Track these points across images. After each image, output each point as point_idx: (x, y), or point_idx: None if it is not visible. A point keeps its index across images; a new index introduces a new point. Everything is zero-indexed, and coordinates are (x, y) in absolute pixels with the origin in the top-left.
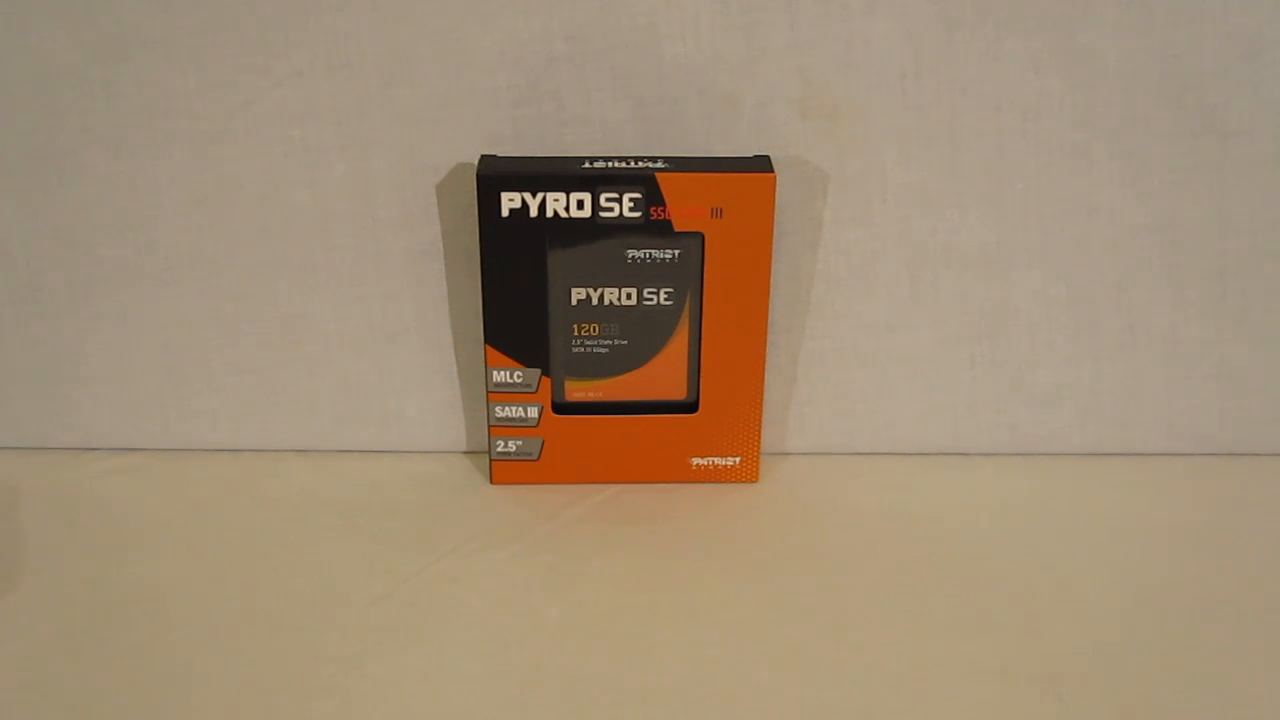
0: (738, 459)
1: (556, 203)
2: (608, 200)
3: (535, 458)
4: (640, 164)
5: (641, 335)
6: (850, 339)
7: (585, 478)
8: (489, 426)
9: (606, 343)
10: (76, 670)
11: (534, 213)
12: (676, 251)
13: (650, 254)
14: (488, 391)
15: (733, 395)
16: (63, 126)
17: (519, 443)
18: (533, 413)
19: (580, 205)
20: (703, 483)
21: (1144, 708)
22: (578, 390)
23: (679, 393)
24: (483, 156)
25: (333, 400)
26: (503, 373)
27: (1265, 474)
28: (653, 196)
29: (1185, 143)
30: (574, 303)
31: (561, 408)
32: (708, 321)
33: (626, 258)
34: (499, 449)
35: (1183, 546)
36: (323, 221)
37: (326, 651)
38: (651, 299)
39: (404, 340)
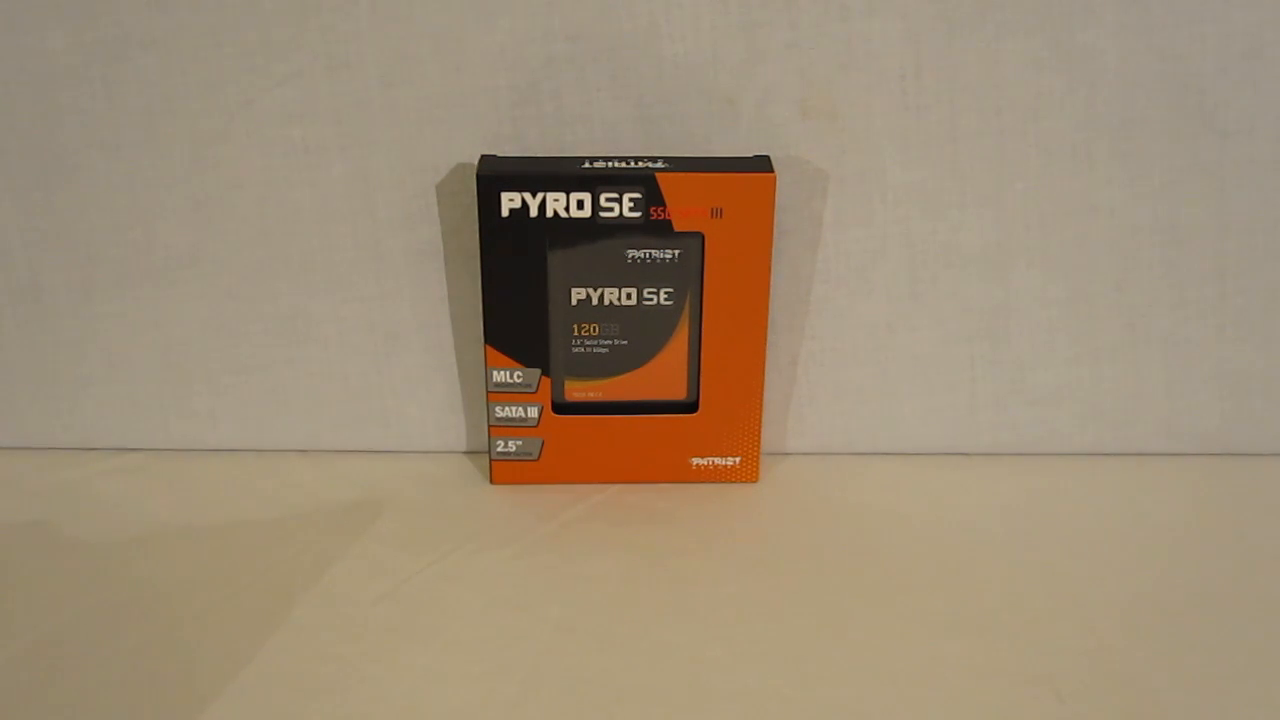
0: (738, 459)
1: (556, 203)
2: (608, 200)
3: (535, 458)
4: (640, 164)
5: (641, 335)
6: (850, 339)
7: (585, 478)
8: (489, 426)
9: (606, 343)
10: (76, 670)
11: (534, 213)
12: (676, 251)
13: (650, 254)
14: (488, 391)
15: (733, 395)
16: (63, 126)
17: (519, 443)
18: (533, 413)
19: (580, 205)
20: (703, 483)
21: (1144, 708)
22: (578, 390)
23: (679, 393)
24: (483, 156)
25: (333, 400)
26: (503, 373)
27: (1265, 474)
28: (653, 196)
29: (1185, 143)
30: (574, 303)
31: (561, 408)
32: (708, 321)
33: (626, 258)
34: (499, 449)
35: (1183, 546)
36: (323, 221)
37: (326, 651)
38: (651, 299)
39: (404, 340)
